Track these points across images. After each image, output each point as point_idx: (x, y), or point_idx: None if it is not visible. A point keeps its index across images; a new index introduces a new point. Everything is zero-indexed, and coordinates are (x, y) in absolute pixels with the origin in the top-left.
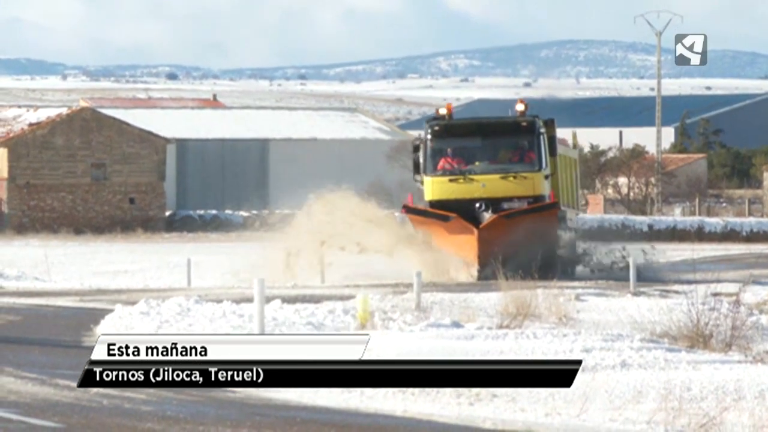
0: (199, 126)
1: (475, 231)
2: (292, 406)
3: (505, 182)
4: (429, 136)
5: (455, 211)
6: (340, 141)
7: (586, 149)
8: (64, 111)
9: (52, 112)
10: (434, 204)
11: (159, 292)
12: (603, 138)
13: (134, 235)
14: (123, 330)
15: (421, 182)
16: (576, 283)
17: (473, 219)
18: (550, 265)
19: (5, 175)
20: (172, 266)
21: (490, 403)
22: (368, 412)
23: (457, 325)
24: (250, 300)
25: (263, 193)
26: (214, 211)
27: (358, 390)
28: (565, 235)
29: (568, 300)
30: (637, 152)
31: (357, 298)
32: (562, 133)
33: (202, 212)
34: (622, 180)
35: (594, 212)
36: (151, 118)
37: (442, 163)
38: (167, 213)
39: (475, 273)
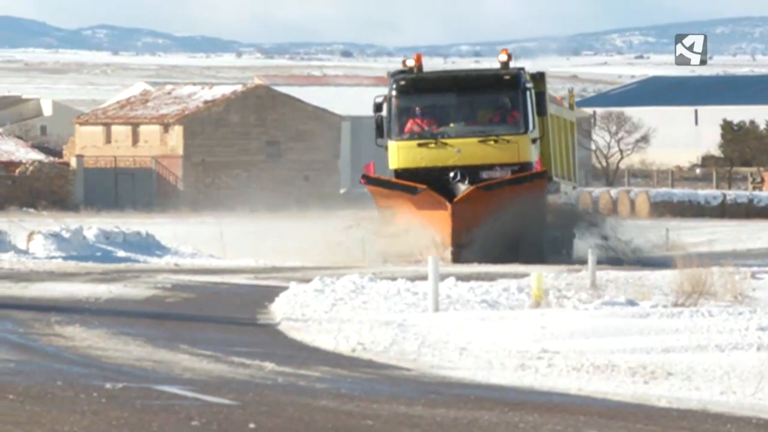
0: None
1: (449, 205)
2: (467, 384)
3: (484, 147)
4: (394, 93)
5: (425, 182)
6: None
7: (762, 126)
8: (239, 88)
9: (226, 90)
10: (400, 173)
11: (333, 269)
12: None
13: (309, 212)
14: (298, 307)
15: (386, 148)
16: (751, 261)
17: (446, 191)
18: (536, 245)
19: (180, 152)
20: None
21: (665, 381)
22: (542, 390)
23: (631, 303)
24: (424, 278)
25: None
26: None
27: (533, 367)
28: (557, 210)
29: (743, 278)
30: None
31: (531, 276)
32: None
33: None
34: None
35: None
36: (326, 95)
37: (409, 124)
38: (341, 191)
39: (449, 255)
